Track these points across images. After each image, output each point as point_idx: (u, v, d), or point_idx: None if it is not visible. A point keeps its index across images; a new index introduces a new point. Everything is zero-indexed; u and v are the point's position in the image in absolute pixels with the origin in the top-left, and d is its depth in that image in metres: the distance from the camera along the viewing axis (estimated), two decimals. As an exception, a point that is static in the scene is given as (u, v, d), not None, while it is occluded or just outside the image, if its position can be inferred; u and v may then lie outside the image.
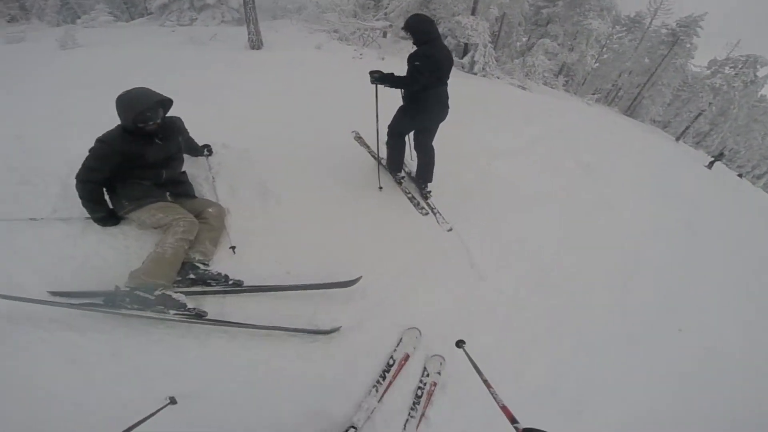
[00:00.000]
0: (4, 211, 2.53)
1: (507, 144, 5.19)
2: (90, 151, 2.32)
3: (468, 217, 3.63)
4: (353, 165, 3.89)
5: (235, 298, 2.46)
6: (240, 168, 3.29)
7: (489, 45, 13.05)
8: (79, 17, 12.37)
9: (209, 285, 2.43)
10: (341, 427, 2.04)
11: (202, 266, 2.45)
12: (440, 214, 3.61)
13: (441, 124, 3.41)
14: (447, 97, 3.28)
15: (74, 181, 2.35)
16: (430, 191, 3.73)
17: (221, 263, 2.61)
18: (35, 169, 2.79)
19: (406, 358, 2.43)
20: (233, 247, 2.70)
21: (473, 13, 12.97)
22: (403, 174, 3.79)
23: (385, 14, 11.20)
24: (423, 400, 2.29)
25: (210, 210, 2.68)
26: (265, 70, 6.26)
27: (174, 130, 2.64)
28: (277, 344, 2.33)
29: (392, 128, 3.48)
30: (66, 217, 2.55)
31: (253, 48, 7.48)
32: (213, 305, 2.37)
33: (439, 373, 2.42)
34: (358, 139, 4.35)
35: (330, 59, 7.99)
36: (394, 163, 3.71)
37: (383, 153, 3.78)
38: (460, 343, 2.05)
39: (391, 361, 2.40)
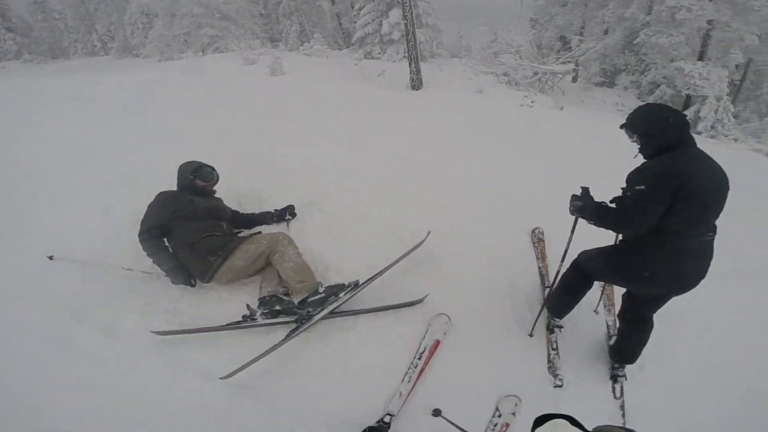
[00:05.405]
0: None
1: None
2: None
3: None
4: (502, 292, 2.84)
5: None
6: (323, 242, 3.02)
7: (726, 98, 9.96)
8: (302, 44, 15.04)
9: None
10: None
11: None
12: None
13: None
14: (711, 254, 1.91)
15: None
16: (624, 375, 2.46)
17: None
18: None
19: (437, 344, 2.46)
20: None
21: (701, 57, 10.14)
22: (562, 323, 2.63)
23: (574, 59, 9.78)
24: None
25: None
26: (414, 114, 6.08)
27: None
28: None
29: (582, 263, 2.33)
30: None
31: (413, 88, 7.56)
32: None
33: (513, 414, 2.24)
34: (539, 242, 3.08)
35: (493, 106, 7.27)
36: (557, 305, 2.57)
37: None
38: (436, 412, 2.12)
39: (421, 349, 2.43)
